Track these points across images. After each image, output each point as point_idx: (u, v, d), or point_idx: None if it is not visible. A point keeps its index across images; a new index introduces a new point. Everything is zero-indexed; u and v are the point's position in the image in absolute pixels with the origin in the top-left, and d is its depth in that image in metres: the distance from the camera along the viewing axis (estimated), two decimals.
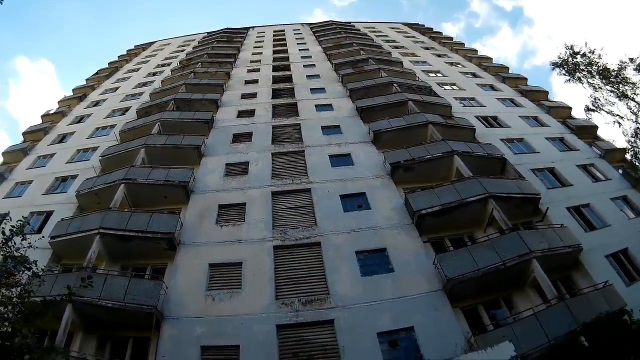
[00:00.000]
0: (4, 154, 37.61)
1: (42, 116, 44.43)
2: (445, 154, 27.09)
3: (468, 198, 23.13)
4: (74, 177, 30.51)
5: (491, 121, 35.13)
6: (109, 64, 62.99)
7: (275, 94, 40.85)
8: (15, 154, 36.58)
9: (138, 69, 57.18)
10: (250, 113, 36.87)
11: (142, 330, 18.54)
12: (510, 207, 23.16)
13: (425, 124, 31.08)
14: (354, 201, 25.14)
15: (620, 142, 35.00)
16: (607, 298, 18.16)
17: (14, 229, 13.97)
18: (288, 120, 34.97)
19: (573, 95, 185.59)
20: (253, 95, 40.76)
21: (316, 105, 37.36)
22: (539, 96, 41.35)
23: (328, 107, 37.28)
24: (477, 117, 35.05)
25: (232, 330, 18.26)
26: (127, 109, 41.55)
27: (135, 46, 74.45)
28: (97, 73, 58.69)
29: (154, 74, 53.11)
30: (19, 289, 13.43)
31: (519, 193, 24.33)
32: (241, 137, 32.84)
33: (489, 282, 19.47)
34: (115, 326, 19.07)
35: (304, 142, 31.39)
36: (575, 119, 37.63)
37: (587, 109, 33.12)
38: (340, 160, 29.00)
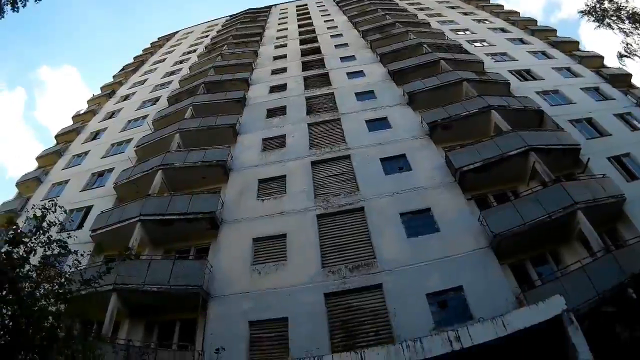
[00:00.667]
0: (38, 158, 37.97)
1: (73, 117, 44.89)
2: (483, 109, 26.40)
3: (509, 152, 22.51)
4: (110, 170, 30.75)
5: (524, 74, 34.10)
6: (134, 58, 63.35)
7: (305, 66, 40.32)
8: (50, 157, 37.00)
9: (164, 60, 57.17)
10: (282, 87, 36.46)
11: (189, 312, 18.65)
12: (551, 159, 22.37)
13: (460, 81, 30.41)
14: (394, 163, 24.73)
15: None
16: None
17: (42, 214, 13.54)
18: (321, 91, 34.40)
19: (604, 45, 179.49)
20: (283, 70, 40.32)
21: (347, 73, 36.70)
22: (570, 47, 39.81)
23: (359, 73, 36.61)
24: (510, 72, 33.98)
25: (280, 302, 18.26)
26: (157, 99, 41.60)
27: (158, 38, 74.56)
28: (123, 69, 59.26)
29: (181, 62, 53.03)
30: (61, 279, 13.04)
31: (559, 144, 23.62)
32: (275, 112, 32.61)
33: (535, 237, 18.98)
34: (161, 310, 19.24)
35: (338, 110, 30.95)
36: (609, 67, 36.18)
37: (620, 56, 31.78)
38: (377, 124, 28.56)
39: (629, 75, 34.23)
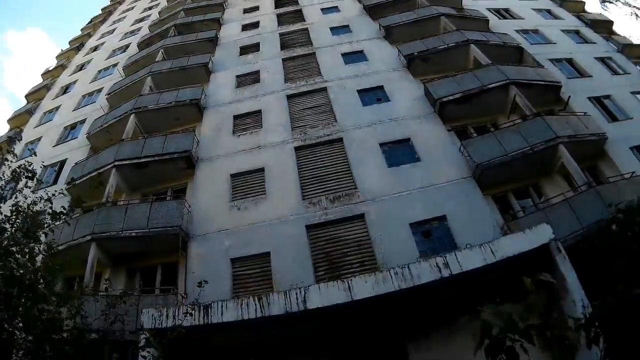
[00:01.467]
0: (9, 121, 36.82)
1: (42, 74, 43.34)
2: (461, 43, 25.99)
3: (489, 84, 22.30)
4: (82, 122, 29.67)
5: (504, 13, 33.38)
6: (102, 10, 60.64)
7: (278, 3, 38.68)
8: (21, 117, 35.83)
9: (133, 7, 54.33)
10: (255, 25, 35.15)
11: (170, 255, 18.34)
12: (532, 94, 22.16)
13: (437, 16, 29.79)
14: (372, 95, 24.26)
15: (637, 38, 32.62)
16: (635, 188, 17.05)
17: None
18: (295, 26, 33.23)
19: None
20: (255, 9, 38.73)
21: (322, 9, 35.44)
22: None
23: (334, 9, 35.39)
24: (489, 10, 33.20)
25: (261, 237, 17.94)
26: (127, 46, 39.93)
27: None
28: (91, 21, 56.62)
29: (150, 8, 50.54)
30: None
31: (540, 80, 23.41)
32: (249, 49, 31.42)
33: (517, 168, 18.99)
34: (142, 257, 18.87)
35: (313, 45, 29.94)
36: (590, 13, 36.04)
37: (602, 0, 30.71)
38: (354, 57, 27.81)
39: (611, 22, 34.38)
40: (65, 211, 12.86)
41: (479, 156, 18.74)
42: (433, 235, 17.36)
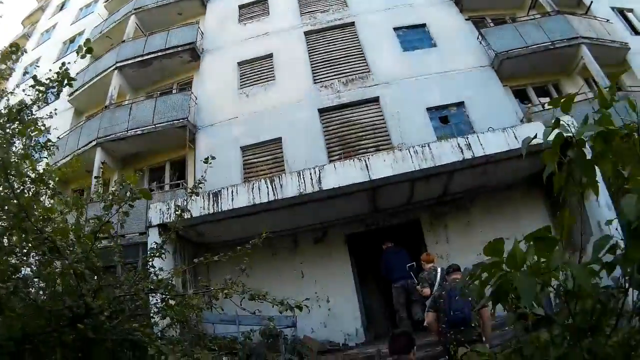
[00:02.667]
0: (6, 51, 34.89)
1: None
2: None
3: None
4: (81, 33, 28.34)
5: None
6: None
7: None
8: (19, 42, 33.79)
9: None
10: None
11: (178, 150, 17.92)
12: None
13: None
14: None
15: None
16: None
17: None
18: None
19: None
20: None
21: None
22: None
23: None
24: None
25: (271, 123, 17.31)
26: None
27: None
28: None
29: None
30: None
31: None
32: None
33: (537, 63, 18.16)
34: (149, 155, 18.55)
35: None
36: None
37: None
38: None
39: None
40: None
41: (498, 46, 17.84)
42: (451, 121, 16.78)
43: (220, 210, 12.97)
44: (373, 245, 15.02)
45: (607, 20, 20.68)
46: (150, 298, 6.93)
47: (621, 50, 19.46)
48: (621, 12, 22.52)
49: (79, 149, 18.02)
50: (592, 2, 21.22)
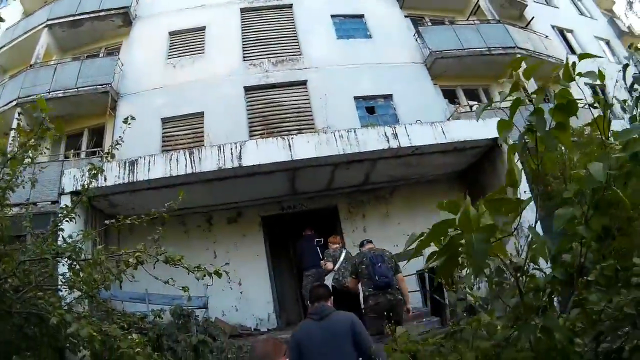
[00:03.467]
0: None
1: None
2: None
3: None
4: None
5: None
6: None
7: None
8: None
9: None
10: None
11: (98, 117, 17.14)
12: (496, 4, 21.36)
13: None
14: None
15: None
16: None
17: None
18: None
19: None
20: None
21: None
22: None
23: None
24: None
25: (196, 96, 16.71)
26: None
27: None
28: None
29: None
30: None
31: None
32: None
33: (470, 66, 18.55)
34: (68, 121, 16.96)
35: None
36: None
37: None
38: None
39: None
40: None
41: (434, 44, 17.97)
42: (377, 112, 16.79)
43: (135, 180, 12.26)
44: (289, 229, 14.82)
45: (546, 36, 21.40)
46: (59, 268, 6.63)
47: (556, 65, 19.26)
48: (561, 32, 23.45)
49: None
50: (533, 17, 22.00)
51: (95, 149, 16.74)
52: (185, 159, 12.20)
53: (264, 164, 12.03)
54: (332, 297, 5.92)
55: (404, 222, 14.75)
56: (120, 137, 7.26)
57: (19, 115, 15.75)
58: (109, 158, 8.75)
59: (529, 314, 2.32)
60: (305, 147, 12.14)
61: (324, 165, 12.73)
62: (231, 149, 12.16)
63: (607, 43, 26.21)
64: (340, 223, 14.80)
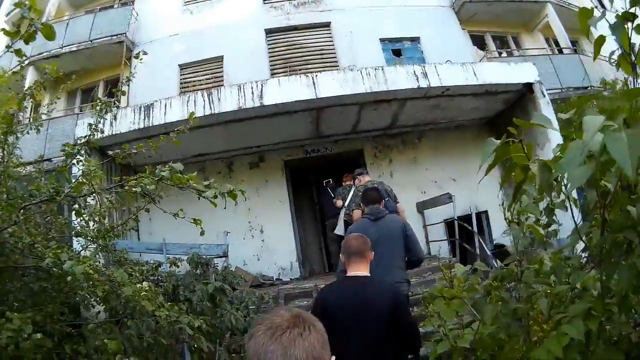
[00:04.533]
0: None
1: None
2: None
3: None
4: None
5: None
6: None
7: None
8: None
9: None
10: None
11: (113, 69, 16.58)
12: None
13: None
14: None
15: None
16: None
17: None
18: None
19: None
20: None
21: None
22: None
23: None
24: None
25: (215, 41, 15.99)
26: None
27: None
28: None
29: None
30: None
31: None
32: None
33: (500, 13, 17.87)
34: (83, 75, 16.65)
35: None
36: None
37: None
38: None
39: None
40: None
41: None
42: (404, 55, 16.03)
43: (151, 125, 11.68)
44: (314, 175, 14.34)
45: None
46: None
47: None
48: None
49: (12, 69, 16.14)
50: None
51: (111, 99, 16.23)
52: (204, 100, 11.60)
53: (287, 103, 11.36)
54: (383, 201, 6.20)
55: (431, 168, 14.41)
56: (131, 73, 6.67)
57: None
58: (119, 96, 8.17)
59: (615, 253, 2.01)
60: (330, 85, 11.44)
61: (350, 105, 12.06)
62: (252, 87, 11.53)
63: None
64: (366, 168, 14.19)
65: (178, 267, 8.85)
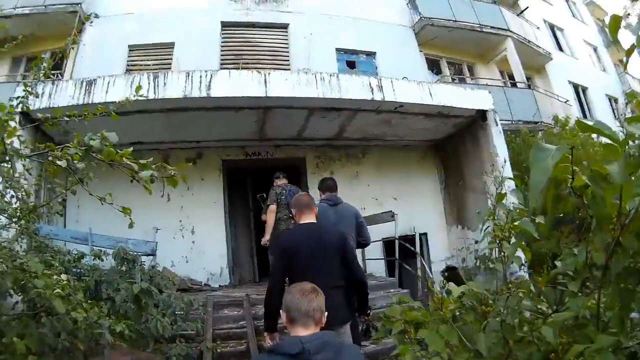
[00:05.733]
0: None
1: None
2: None
3: None
4: None
5: None
6: None
7: None
8: None
9: None
10: None
11: (62, 39, 14.99)
12: None
13: None
14: None
15: None
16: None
17: None
18: None
19: None
20: None
21: None
22: None
23: None
24: None
25: (168, 26, 15.42)
26: None
27: None
28: None
29: None
30: None
31: None
32: None
33: (459, 40, 18.17)
34: (31, 42, 15.44)
35: None
36: None
37: None
38: None
39: None
40: None
41: (426, 10, 17.34)
42: (358, 67, 15.98)
43: (91, 102, 10.59)
44: (252, 180, 13.82)
45: (538, 27, 21.58)
46: None
47: (544, 57, 20.44)
48: (552, 28, 23.55)
49: None
50: (527, 7, 21.54)
51: (55, 72, 15.37)
52: (149, 83, 10.76)
53: (236, 97, 10.72)
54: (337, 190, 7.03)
55: (373, 184, 14.25)
56: (78, 40, 5.96)
57: None
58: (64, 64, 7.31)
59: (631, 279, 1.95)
60: (282, 85, 10.93)
61: (299, 109, 11.67)
62: (200, 76, 10.88)
63: (595, 50, 26.66)
64: (306, 177, 13.90)
65: (102, 260, 8.03)
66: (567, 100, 20.00)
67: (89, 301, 4.79)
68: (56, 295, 4.14)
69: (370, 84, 11.46)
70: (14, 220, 5.59)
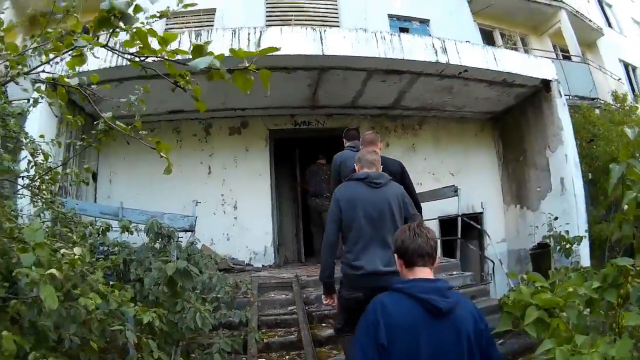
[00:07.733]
0: None
1: None
2: None
3: None
4: None
5: None
6: None
7: None
8: None
9: None
10: None
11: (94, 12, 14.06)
12: None
13: None
14: None
15: None
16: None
17: None
18: None
19: None
20: None
21: None
22: None
23: None
24: None
25: None
26: None
27: None
28: None
29: None
30: None
31: None
32: None
33: (513, 10, 17.30)
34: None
35: None
36: None
37: None
38: None
39: None
40: None
41: None
42: (411, 34, 14.68)
43: (124, 64, 9.83)
44: (301, 151, 12.89)
45: (588, 1, 20.86)
46: None
47: (595, 33, 19.63)
48: (600, 3, 22.52)
49: None
50: None
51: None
52: (190, 41, 9.68)
53: (288, 56, 9.52)
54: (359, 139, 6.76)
55: (430, 158, 13.36)
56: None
57: None
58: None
59: None
60: (339, 44, 9.91)
61: (358, 70, 10.59)
62: (248, 34, 9.87)
63: None
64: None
65: (131, 233, 6.65)
66: (620, 79, 19.14)
67: (112, 283, 3.58)
68: (45, 282, 2.64)
69: (433, 45, 10.55)
70: (30, 185, 4.66)
